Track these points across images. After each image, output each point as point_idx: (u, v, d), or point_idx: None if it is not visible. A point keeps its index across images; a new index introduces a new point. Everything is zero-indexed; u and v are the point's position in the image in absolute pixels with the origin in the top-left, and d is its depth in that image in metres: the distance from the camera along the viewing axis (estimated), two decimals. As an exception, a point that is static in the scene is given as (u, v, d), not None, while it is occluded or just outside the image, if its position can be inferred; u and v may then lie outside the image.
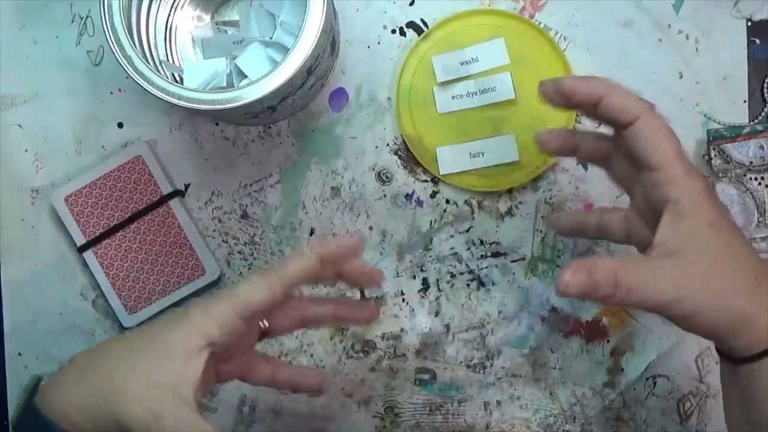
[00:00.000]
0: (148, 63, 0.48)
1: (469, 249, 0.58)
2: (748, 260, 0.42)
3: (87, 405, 0.39)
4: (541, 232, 0.57)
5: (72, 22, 0.59)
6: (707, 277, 0.40)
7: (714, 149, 0.55)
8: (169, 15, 0.56)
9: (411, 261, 0.58)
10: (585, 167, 0.57)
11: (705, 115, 0.56)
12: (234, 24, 0.58)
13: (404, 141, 0.57)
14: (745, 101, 0.56)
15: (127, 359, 0.39)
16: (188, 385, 0.39)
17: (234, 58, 0.55)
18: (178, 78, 0.56)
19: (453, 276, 0.58)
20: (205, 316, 0.40)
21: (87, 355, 0.42)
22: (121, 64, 0.48)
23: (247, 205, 0.59)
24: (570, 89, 0.43)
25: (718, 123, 0.56)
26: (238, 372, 0.46)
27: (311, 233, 0.58)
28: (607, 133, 0.46)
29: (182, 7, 0.57)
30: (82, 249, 0.58)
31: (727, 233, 0.42)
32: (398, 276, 0.58)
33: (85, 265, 0.59)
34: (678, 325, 0.41)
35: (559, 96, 0.43)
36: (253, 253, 0.59)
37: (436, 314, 0.58)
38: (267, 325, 0.46)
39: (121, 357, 0.40)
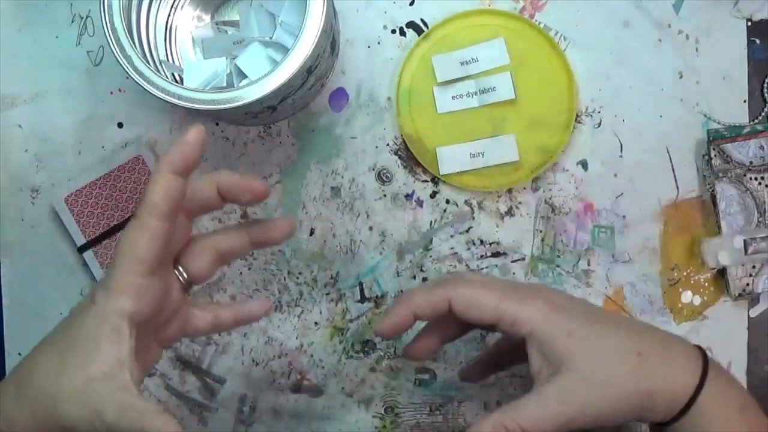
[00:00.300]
0: (148, 63, 0.48)
1: (469, 249, 0.58)
2: (623, 342, 0.43)
3: (31, 423, 0.38)
4: (541, 232, 0.57)
5: (72, 22, 0.59)
6: (590, 382, 0.41)
7: (714, 149, 0.55)
8: (169, 15, 0.56)
9: (411, 261, 0.58)
10: (585, 167, 0.57)
11: (705, 115, 0.56)
12: (234, 24, 0.58)
13: (404, 141, 0.57)
14: (745, 101, 0.56)
15: (57, 364, 0.38)
16: (122, 369, 0.37)
17: (234, 58, 0.55)
18: (178, 78, 0.56)
19: (453, 276, 0.58)
20: (108, 292, 0.38)
21: (20, 369, 0.40)
22: (121, 64, 0.48)
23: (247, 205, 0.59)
24: (389, 329, 0.45)
25: (718, 123, 0.56)
26: (179, 332, 0.44)
27: (311, 233, 0.58)
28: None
29: (182, 7, 0.57)
30: (82, 249, 0.58)
31: (590, 331, 0.43)
32: (398, 276, 0.58)
33: (85, 265, 0.59)
34: None
35: (392, 334, 0.46)
36: (253, 253, 0.59)
37: (436, 314, 0.58)
38: (185, 275, 0.43)
39: (51, 363, 0.38)
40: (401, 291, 0.58)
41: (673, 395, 0.42)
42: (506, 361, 0.52)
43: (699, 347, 0.45)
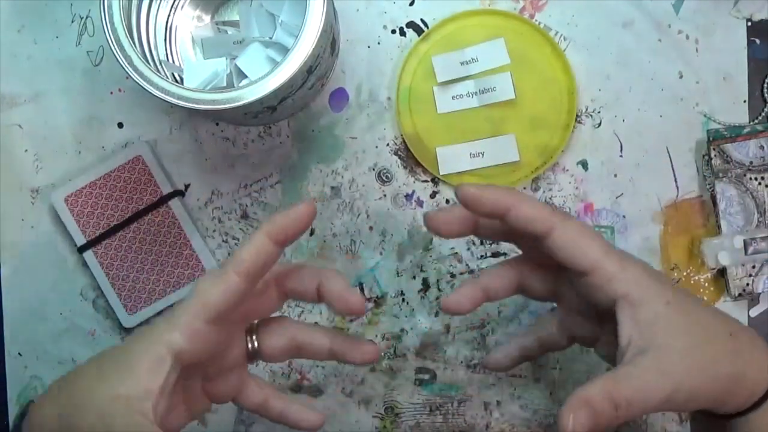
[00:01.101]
0: (148, 63, 0.48)
1: (469, 249, 0.58)
2: (716, 322, 0.41)
3: (55, 428, 0.38)
4: (541, 232, 0.57)
5: (72, 22, 0.59)
6: (689, 357, 0.39)
7: (714, 149, 0.55)
8: (169, 15, 0.56)
9: (411, 261, 0.58)
10: (585, 167, 0.57)
11: (705, 115, 0.56)
12: (234, 24, 0.58)
13: (404, 141, 0.57)
14: (745, 101, 0.56)
15: (95, 376, 0.39)
16: (147, 398, 0.37)
17: (234, 58, 0.55)
18: (178, 78, 0.56)
19: (453, 276, 0.58)
20: (168, 324, 0.38)
21: (64, 377, 0.41)
22: (121, 64, 0.47)
23: (247, 205, 0.59)
24: (472, 197, 0.41)
25: (718, 123, 0.56)
26: (230, 392, 0.44)
27: (311, 233, 0.59)
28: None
29: (182, 7, 0.57)
30: (82, 249, 0.58)
31: (686, 303, 0.41)
32: (398, 276, 0.58)
33: (85, 265, 0.59)
34: (680, 411, 0.41)
35: (469, 204, 0.41)
36: (253, 253, 0.59)
37: (436, 314, 0.58)
38: (256, 343, 0.44)
39: (90, 375, 0.39)
40: (401, 291, 0.58)
41: (756, 382, 0.40)
42: (544, 351, 0.48)
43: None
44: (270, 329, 0.44)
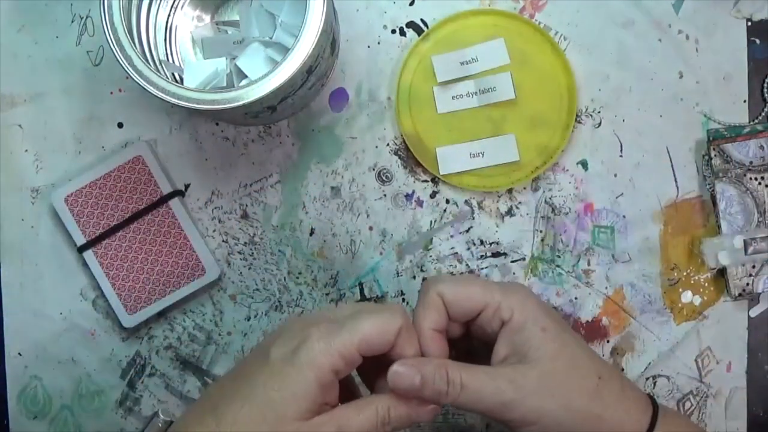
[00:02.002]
0: (148, 63, 0.48)
1: (469, 249, 0.58)
2: (589, 362, 0.43)
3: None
4: (541, 232, 0.57)
5: (72, 22, 0.59)
6: (546, 378, 0.41)
7: (714, 149, 0.55)
8: (169, 15, 0.56)
9: (411, 261, 0.58)
10: (585, 167, 0.57)
11: (705, 115, 0.56)
12: (234, 24, 0.58)
13: (404, 141, 0.57)
14: (745, 101, 0.56)
15: (251, 398, 0.39)
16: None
17: (234, 58, 0.55)
18: (178, 78, 0.56)
19: (453, 276, 0.58)
20: (330, 352, 0.39)
21: (213, 391, 0.42)
22: (121, 64, 0.47)
23: (247, 205, 0.59)
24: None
25: (718, 123, 0.56)
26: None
27: (311, 233, 0.58)
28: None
29: (182, 7, 0.57)
30: (82, 249, 0.58)
31: (563, 336, 0.43)
32: (398, 276, 0.58)
33: (85, 265, 0.58)
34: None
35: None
36: (253, 253, 0.59)
37: (436, 314, 0.58)
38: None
39: (245, 395, 0.40)
40: (401, 291, 0.58)
41: (621, 429, 0.41)
42: None
43: (649, 395, 0.45)
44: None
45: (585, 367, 0.43)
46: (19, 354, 0.60)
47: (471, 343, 0.47)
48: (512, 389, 0.40)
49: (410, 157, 0.58)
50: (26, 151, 0.60)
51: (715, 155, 0.55)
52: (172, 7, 0.56)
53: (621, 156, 0.57)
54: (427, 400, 0.41)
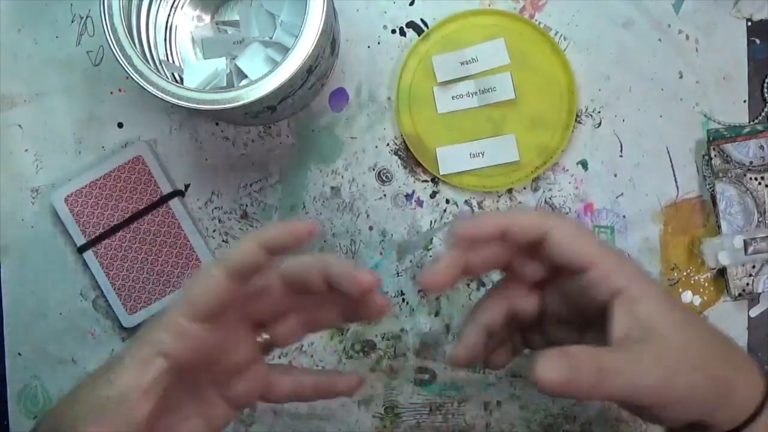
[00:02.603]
0: (148, 63, 0.48)
1: (469, 249, 0.58)
2: (708, 326, 0.40)
3: None
4: (541, 232, 0.57)
5: (72, 22, 0.59)
6: (686, 352, 0.37)
7: (714, 149, 0.55)
8: (169, 15, 0.56)
9: (411, 261, 0.58)
10: (585, 167, 0.57)
11: (705, 115, 0.56)
12: (234, 24, 0.58)
13: (404, 141, 0.57)
14: (745, 101, 0.56)
15: (91, 385, 0.38)
16: (132, 396, 0.36)
17: (234, 58, 0.55)
18: (178, 78, 0.56)
19: (453, 276, 0.58)
20: (156, 326, 0.38)
21: (69, 392, 0.40)
22: (121, 64, 0.47)
23: (247, 205, 0.59)
24: (470, 234, 0.39)
25: (718, 123, 0.56)
26: (253, 392, 0.43)
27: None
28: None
29: (182, 7, 0.57)
30: (82, 249, 0.58)
31: (679, 304, 0.40)
32: (398, 276, 0.58)
33: (85, 265, 0.59)
34: (664, 418, 0.37)
35: (465, 243, 0.40)
36: (253, 253, 0.59)
37: (436, 314, 0.58)
38: (266, 336, 0.43)
39: (88, 384, 0.39)
40: (401, 291, 0.58)
41: (746, 397, 0.38)
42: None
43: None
44: (279, 318, 0.43)
45: (710, 331, 0.39)
46: (19, 354, 0.60)
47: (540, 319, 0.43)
48: (662, 371, 0.36)
49: (410, 157, 0.58)
50: (26, 151, 0.60)
51: (715, 155, 0.55)
52: (172, 7, 0.56)
53: (621, 156, 0.57)
54: (572, 395, 0.36)
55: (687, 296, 0.57)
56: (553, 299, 0.43)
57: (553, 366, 0.34)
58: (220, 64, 0.55)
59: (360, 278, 0.39)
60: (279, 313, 0.43)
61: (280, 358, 0.59)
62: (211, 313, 0.38)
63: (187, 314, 0.37)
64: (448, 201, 0.58)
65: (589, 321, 0.40)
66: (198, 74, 0.55)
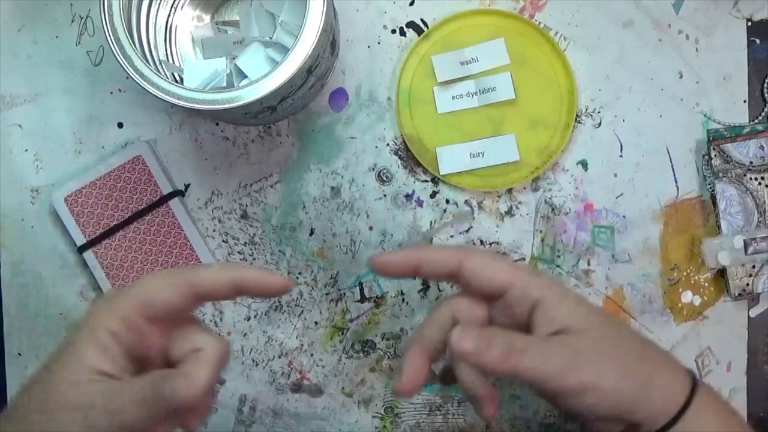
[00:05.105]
0: (148, 63, 0.48)
1: (469, 249, 0.58)
2: (627, 328, 0.42)
3: None
4: (541, 232, 0.57)
5: (72, 22, 0.59)
6: (599, 342, 0.39)
7: (714, 149, 0.55)
8: (169, 15, 0.56)
9: (411, 261, 0.58)
10: (585, 167, 0.57)
11: (705, 115, 0.56)
12: (234, 24, 0.58)
13: (404, 141, 0.57)
14: (745, 101, 0.56)
15: (45, 376, 0.38)
16: (97, 376, 0.37)
17: (234, 58, 0.55)
18: (178, 78, 0.56)
19: (453, 276, 0.58)
20: (108, 313, 0.38)
21: (14, 398, 0.40)
22: (121, 64, 0.48)
23: (247, 205, 0.59)
24: (385, 265, 0.42)
25: (718, 123, 0.56)
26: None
27: (311, 233, 0.58)
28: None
29: (182, 7, 0.57)
30: (82, 249, 0.58)
31: (596, 309, 0.42)
32: (398, 276, 0.58)
33: (85, 265, 0.59)
34: (577, 408, 0.39)
35: (383, 272, 0.42)
36: (253, 253, 0.59)
37: (436, 314, 0.58)
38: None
39: (41, 376, 0.39)
40: (401, 291, 0.58)
41: (666, 398, 0.40)
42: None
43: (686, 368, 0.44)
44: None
45: (627, 331, 0.42)
46: (19, 354, 0.60)
47: None
48: (570, 353, 0.38)
49: (410, 157, 0.58)
50: (26, 151, 0.60)
51: (715, 155, 0.55)
52: (172, 7, 0.56)
53: (621, 156, 0.57)
54: (484, 366, 0.38)
55: (687, 296, 0.57)
56: (496, 312, 0.44)
57: (468, 335, 0.38)
58: (220, 64, 0.55)
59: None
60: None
61: (280, 358, 0.59)
62: (156, 318, 0.39)
63: (140, 309, 0.38)
64: (448, 201, 0.58)
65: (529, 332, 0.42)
66: (198, 74, 0.55)
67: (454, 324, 0.42)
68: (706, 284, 0.57)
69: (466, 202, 0.58)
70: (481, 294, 0.42)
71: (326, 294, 0.59)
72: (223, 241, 0.59)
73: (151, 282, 0.39)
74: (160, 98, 0.47)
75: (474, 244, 0.58)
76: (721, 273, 0.56)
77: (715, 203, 0.55)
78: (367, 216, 0.58)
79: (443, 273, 0.42)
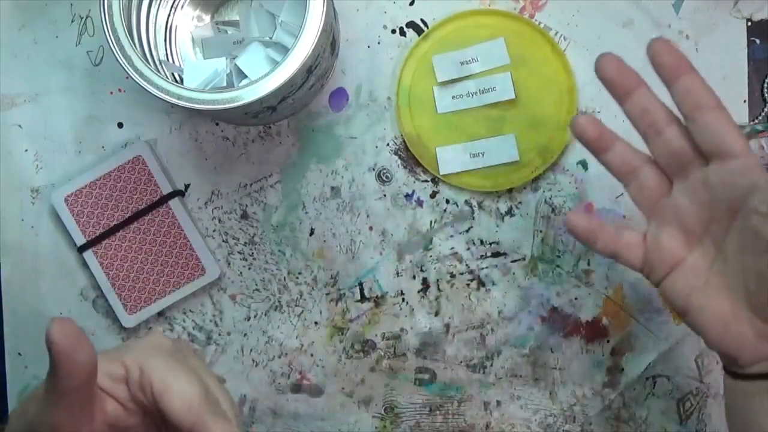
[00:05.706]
0: (148, 63, 0.48)
1: (469, 249, 0.58)
2: None
3: None
4: (541, 232, 0.57)
5: (72, 22, 0.59)
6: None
7: (714, 149, 0.55)
8: (169, 15, 0.56)
9: (411, 261, 0.58)
10: (585, 167, 0.57)
11: (705, 115, 0.56)
12: (234, 24, 0.58)
13: (404, 141, 0.57)
14: (745, 101, 0.56)
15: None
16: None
17: (234, 58, 0.55)
18: (178, 78, 0.56)
19: (453, 276, 0.58)
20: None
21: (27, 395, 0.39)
22: (121, 64, 0.48)
23: (247, 205, 0.59)
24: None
25: (718, 123, 0.56)
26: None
27: (311, 233, 0.59)
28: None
29: (182, 7, 0.57)
30: (82, 249, 0.58)
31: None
32: (398, 276, 0.58)
33: (85, 265, 0.59)
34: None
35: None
36: (253, 253, 0.59)
37: (436, 314, 0.58)
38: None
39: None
40: (401, 291, 0.58)
41: None
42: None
43: None
44: None
45: None
46: (19, 354, 0.60)
47: None
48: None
49: (410, 157, 0.58)
50: (26, 151, 0.60)
51: (715, 155, 0.55)
52: (172, 7, 0.56)
53: (621, 156, 0.57)
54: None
55: (687, 296, 0.57)
56: (678, 192, 0.43)
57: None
58: (220, 64, 0.55)
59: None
60: None
61: (279, 358, 0.59)
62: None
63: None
64: (448, 201, 0.58)
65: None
66: (198, 74, 0.55)
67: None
68: (706, 284, 0.57)
69: (466, 202, 0.58)
70: (699, 150, 0.42)
71: (326, 294, 0.59)
72: (223, 241, 0.59)
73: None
74: (160, 98, 0.47)
75: (474, 244, 0.58)
76: (721, 273, 0.56)
77: (715, 203, 0.55)
78: (367, 216, 0.58)
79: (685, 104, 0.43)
